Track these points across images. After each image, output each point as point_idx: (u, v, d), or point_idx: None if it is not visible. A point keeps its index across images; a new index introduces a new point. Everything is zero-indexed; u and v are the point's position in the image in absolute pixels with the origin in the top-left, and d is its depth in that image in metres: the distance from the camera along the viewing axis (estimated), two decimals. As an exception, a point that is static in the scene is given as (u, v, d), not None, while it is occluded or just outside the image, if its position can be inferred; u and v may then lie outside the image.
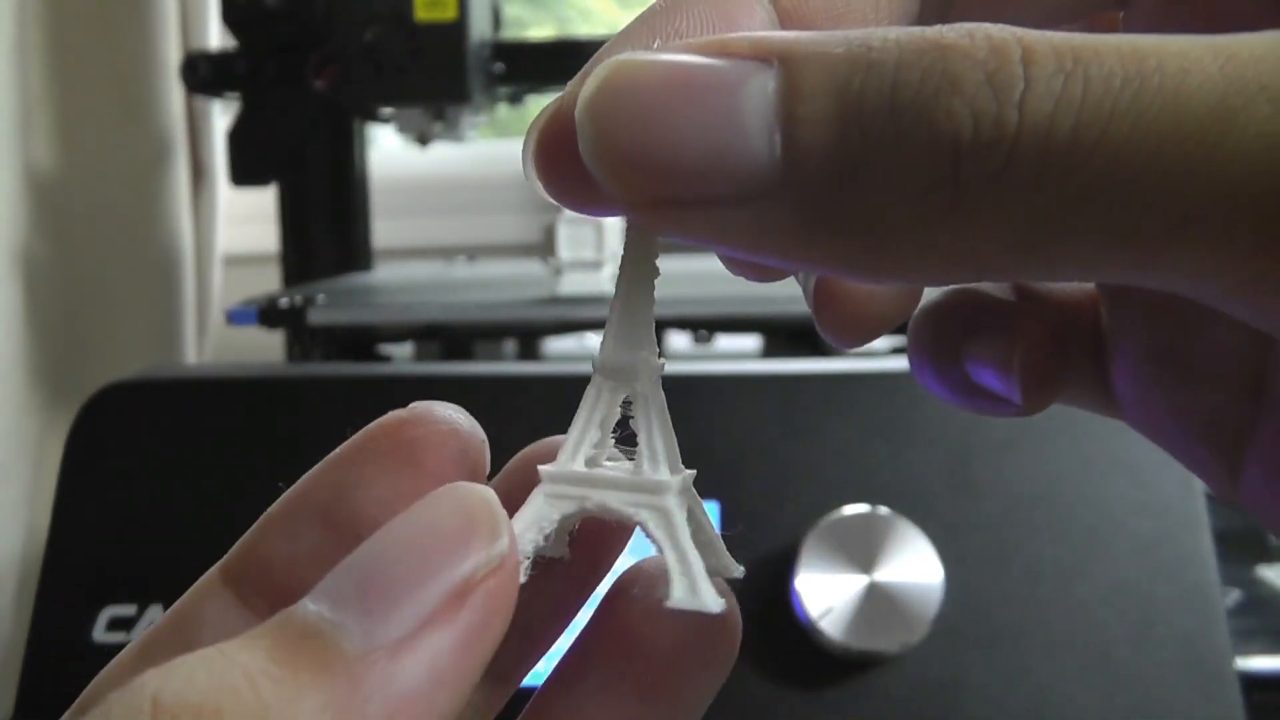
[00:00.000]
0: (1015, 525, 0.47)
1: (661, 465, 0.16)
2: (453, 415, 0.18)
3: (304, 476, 0.18)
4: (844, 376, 0.50)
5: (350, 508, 0.17)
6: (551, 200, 0.17)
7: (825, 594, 0.44)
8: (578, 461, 0.16)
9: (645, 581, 0.18)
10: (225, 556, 0.18)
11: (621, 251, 0.17)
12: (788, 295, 0.64)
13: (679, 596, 0.16)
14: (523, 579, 0.15)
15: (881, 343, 0.72)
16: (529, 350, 0.74)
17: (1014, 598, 0.46)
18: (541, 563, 0.17)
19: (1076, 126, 0.12)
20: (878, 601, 0.44)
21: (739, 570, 0.17)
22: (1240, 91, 0.12)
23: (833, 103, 0.13)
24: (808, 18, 0.16)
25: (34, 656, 0.47)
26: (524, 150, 0.16)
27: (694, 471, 0.17)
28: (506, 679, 0.19)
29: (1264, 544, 0.63)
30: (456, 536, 0.14)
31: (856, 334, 0.19)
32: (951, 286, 0.22)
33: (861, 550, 0.45)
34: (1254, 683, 0.47)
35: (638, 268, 0.17)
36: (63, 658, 0.46)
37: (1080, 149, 0.12)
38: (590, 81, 0.14)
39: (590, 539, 0.18)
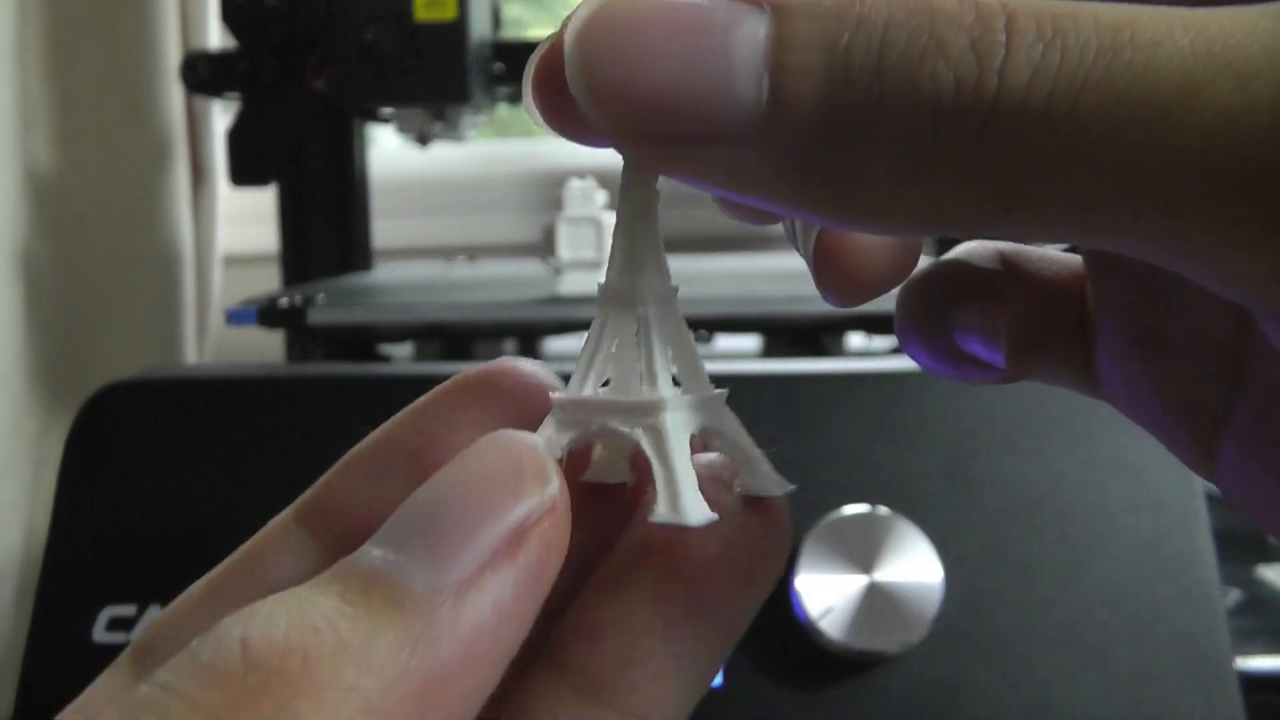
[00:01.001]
0: (1015, 525, 0.47)
1: (660, 385, 0.17)
2: (538, 370, 0.19)
3: (388, 422, 0.19)
4: (844, 376, 0.50)
5: (441, 454, 0.17)
6: (547, 128, 0.17)
7: (825, 594, 0.44)
8: (587, 388, 0.17)
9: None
10: (300, 498, 0.19)
11: (620, 187, 0.17)
12: (788, 295, 0.64)
13: (660, 511, 0.16)
14: (714, 514, 0.16)
15: (881, 342, 0.72)
16: (529, 350, 0.74)
17: (1014, 598, 0.46)
18: (601, 489, 0.18)
19: (1050, 95, 0.13)
20: (878, 601, 0.44)
21: (781, 489, 0.18)
22: (1207, 67, 0.12)
23: (821, 57, 0.13)
24: None
25: (34, 656, 0.47)
26: (524, 80, 0.16)
27: (724, 391, 0.17)
28: (565, 606, 0.19)
29: (1264, 544, 0.63)
30: (509, 483, 0.15)
31: (853, 293, 0.19)
32: (940, 258, 0.22)
33: (861, 550, 0.45)
34: (1254, 683, 0.47)
35: (635, 196, 0.17)
36: (63, 658, 0.46)
37: (1053, 116, 0.13)
38: (580, 12, 0.14)
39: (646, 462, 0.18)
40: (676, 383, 0.17)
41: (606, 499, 0.18)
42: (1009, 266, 0.21)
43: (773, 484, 0.18)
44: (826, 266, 0.19)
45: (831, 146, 0.14)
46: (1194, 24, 0.13)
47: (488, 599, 0.14)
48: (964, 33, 0.13)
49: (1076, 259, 0.22)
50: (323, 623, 0.13)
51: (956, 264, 0.22)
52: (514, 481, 0.15)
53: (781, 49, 0.14)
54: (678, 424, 0.16)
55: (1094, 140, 0.13)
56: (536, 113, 0.17)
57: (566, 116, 0.16)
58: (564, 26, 0.16)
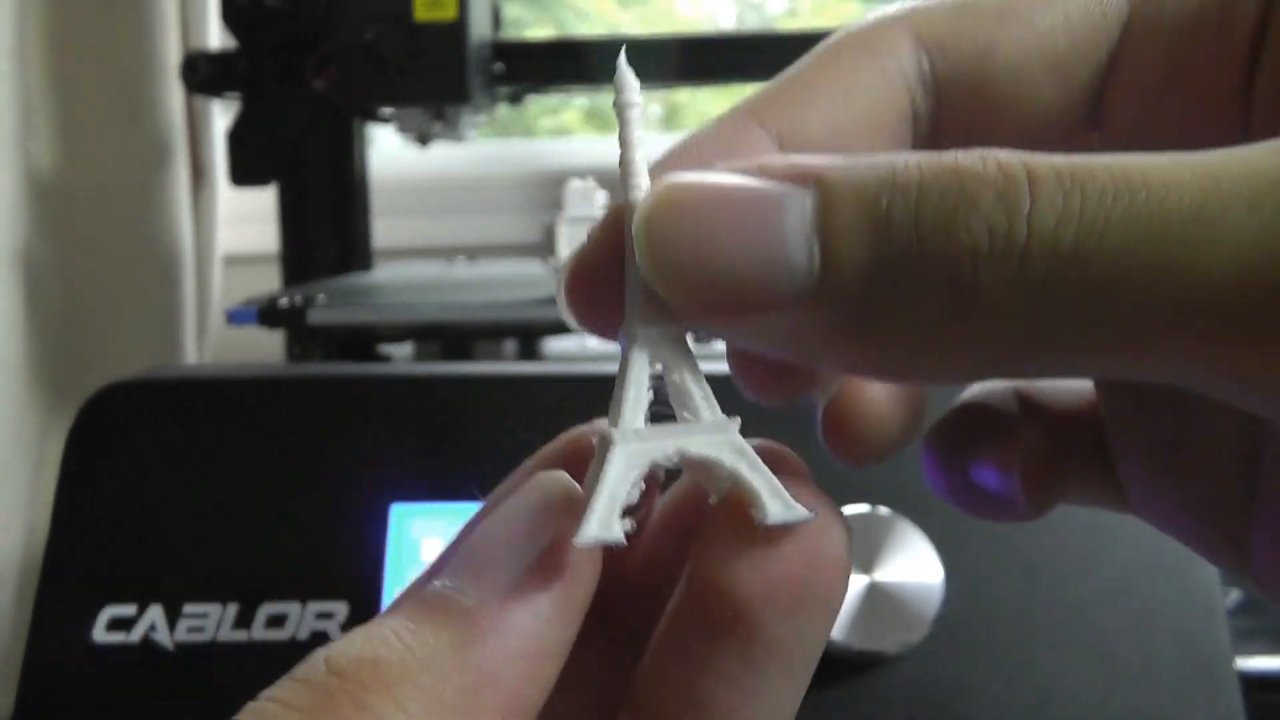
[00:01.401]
0: (1015, 525, 0.47)
1: (716, 409, 0.18)
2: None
3: (500, 485, 0.21)
4: (844, 376, 0.50)
5: None
6: (580, 328, 0.19)
7: (825, 594, 0.44)
8: (640, 421, 0.18)
9: (718, 526, 0.18)
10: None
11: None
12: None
13: (777, 513, 0.17)
14: (624, 539, 0.17)
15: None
16: (529, 350, 0.74)
17: (1014, 598, 0.46)
18: (681, 532, 0.19)
19: (1076, 237, 0.14)
20: (878, 601, 0.44)
21: (784, 516, 0.17)
22: (1218, 200, 0.13)
23: (864, 219, 0.15)
24: (809, 135, 0.18)
25: (34, 656, 0.47)
26: (556, 285, 0.18)
27: (722, 420, 0.18)
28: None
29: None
30: (541, 514, 0.17)
31: (863, 459, 0.21)
32: (959, 400, 0.23)
33: (861, 550, 0.45)
34: (1254, 683, 0.47)
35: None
36: (63, 658, 0.46)
37: (1080, 257, 0.14)
38: (648, 199, 0.16)
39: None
40: (665, 417, 0.18)
41: (686, 542, 0.19)
42: (1023, 402, 0.22)
43: (774, 512, 0.17)
44: (836, 434, 0.21)
45: (879, 300, 0.15)
46: (1200, 165, 0.14)
47: (528, 606, 0.16)
48: (990, 187, 0.14)
49: (1088, 385, 0.23)
50: (391, 635, 0.16)
51: (972, 406, 0.23)
52: (544, 512, 0.17)
53: (828, 215, 0.15)
54: (620, 455, 0.17)
55: (1122, 276, 0.14)
56: (569, 314, 0.18)
57: (597, 318, 0.18)
58: (591, 236, 0.18)
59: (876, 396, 0.20)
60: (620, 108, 0.18)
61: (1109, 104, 0.20)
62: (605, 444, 0.17)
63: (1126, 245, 0.14)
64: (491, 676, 0.16)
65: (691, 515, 0.20)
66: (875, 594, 0.44)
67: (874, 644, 0.44)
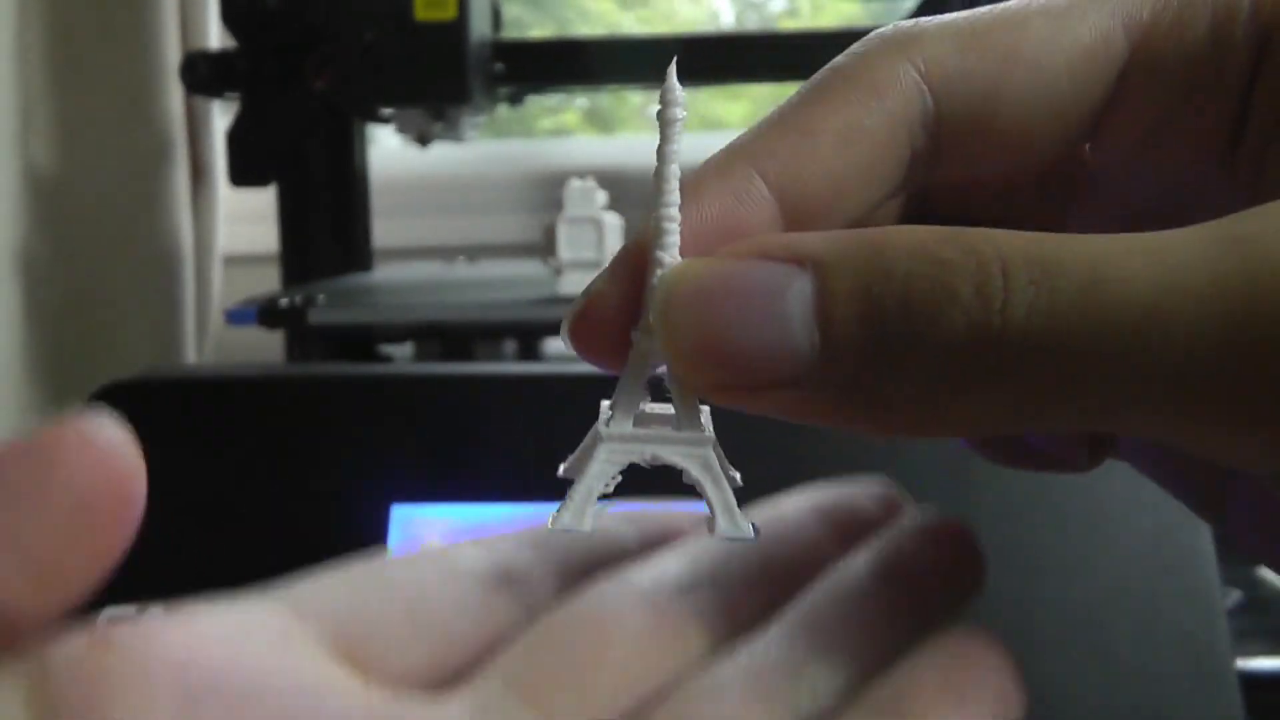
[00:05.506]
0: (1015, 525, 0.47)
1: (698, 422, 0.20)
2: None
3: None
4: (844, 376, 0.50)
5: None
6: (589, 362, 0.20)
7: (825, 594, 0.44)
8: (629, 422, 0.20)
9: None
10: None
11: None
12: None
13: (724, 527, 0.19)
14: (589, 527, 0.19)
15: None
16: (529, 350, 0.74)
17: (1014, 598, 0.46)
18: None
19: (1045, 329, 0.16)
20: (878, 601, 0.44)
21: (728, 532, 0.20)
22: (1168, 292, 0.15)
23: (858, 306, 0.16)
24: (807, 187, 0.19)
25: (34, 656, 0.47)
26: (561, 328, 0.20)
27: (695, 434, 0.20)
28: None
29: (1264, 544, 0.63)
30: None
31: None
32: None
33: (861, 550, 0.45)
34: (1254, 683, 0.47)
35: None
36: (63, 658, 0.46)
37: (1048, 344, 0.16)
38: (662, 289, 0.18)
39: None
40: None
41: None
42: None
43: (722, 527, 0.20)
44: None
45: (873, 379, 0.17)
46: (1154, 254, 0.15)
47: None
48: (969, 281, 0.16)
49: None
50: None
51: None
52: None
53: (826, 303, 0.17)
54: (604, 453, 0.20)
55: (1084, 361, 0.15)
56: (573, 347, 0.20)
57: (600, 356, 0.19)
58: (601, 281, 0.19)
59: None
60: (663, 121, 0.19)
61: (1102, 139, 0.20)
62: (595, 438, 0.20)
63: (1087, 335, 0.15)
64: None
65: None
66: (875, 594, 0.44)
67: (874, 644, 0.44)
